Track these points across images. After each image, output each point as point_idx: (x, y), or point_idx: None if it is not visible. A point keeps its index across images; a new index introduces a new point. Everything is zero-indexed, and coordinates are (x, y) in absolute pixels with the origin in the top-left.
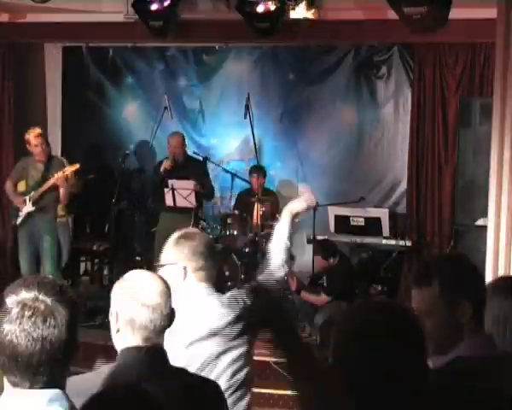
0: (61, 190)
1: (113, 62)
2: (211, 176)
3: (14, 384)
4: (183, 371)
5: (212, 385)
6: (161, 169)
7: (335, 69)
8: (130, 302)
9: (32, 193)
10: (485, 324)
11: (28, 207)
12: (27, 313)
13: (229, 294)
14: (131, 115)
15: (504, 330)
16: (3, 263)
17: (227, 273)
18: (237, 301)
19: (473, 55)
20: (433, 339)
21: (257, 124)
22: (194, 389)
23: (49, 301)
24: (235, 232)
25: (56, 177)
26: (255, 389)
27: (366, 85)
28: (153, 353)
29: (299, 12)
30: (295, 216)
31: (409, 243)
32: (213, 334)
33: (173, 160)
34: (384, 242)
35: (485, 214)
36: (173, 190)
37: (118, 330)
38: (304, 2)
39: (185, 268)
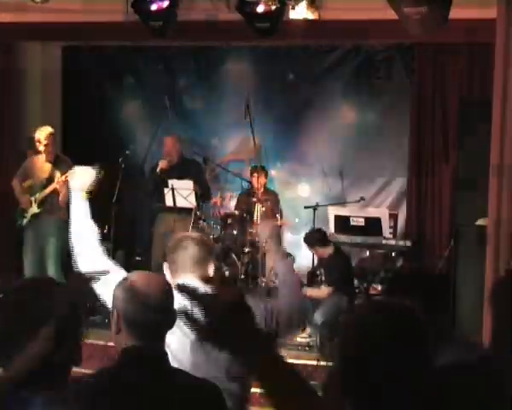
0: (61, 194)
1: (113, 62)
2: (211, 176)
3: (16, 384)
4: (183, 372)
5: (212, 387)
6: (158, 169)
7: (335, 69)
8: (132, 303)
9: (38, 194)
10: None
11: (33, 209)
12: (28, 314)
13: None
14: (131, 115)
15: None
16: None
17: (227, 273)
18: None
19: (473, 55)
20: None
21: (257, 124)
22: (193, 390)
23: (49, 302)
24: (235, 232)
25: (58, 180)
26: (255, 389)
27: (366, 85)
28: (154, 353)
29: (299, 12)
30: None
31: (409, 243)
32: None
33: (168, 161)
34: (384, 242)
35: (485, 214)
36: (173, 190)
37: (119, 331)
38: (304, 2)
39: None
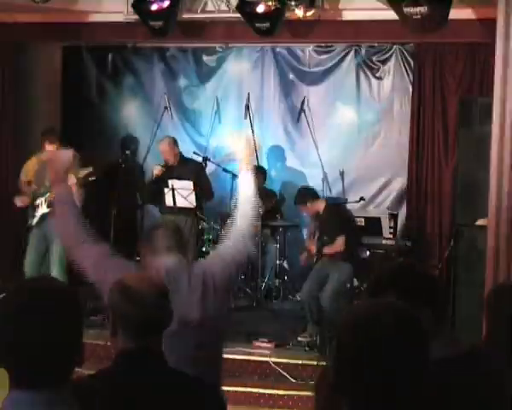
0: (75, 195)
1: (113, 62)
2: (211, 176)
3: (17, 385)
4: (180, 373)
5: (211, 387)
6: (153, 177)
7: (335, 69)
8: (127, 304)
9: (48, 194)
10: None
11: (43, 209)
12: (31, 314)
13: None
14: (131, 115)
15: None
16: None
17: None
18: None
19: (473, 55)
20: None
21: (257, 124)
22: (191, 390)
23: (53, 302)
24: None
25: (69, 180)
26: (255, 389)
27: (366, 85)
28: (150, 354)
29: (299, 12)
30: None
31: (409, 243)
32: None
33: (165, 164)
34: (384, 242)
35: (485, 214)
36: (173, 190)
37: (115, 332)
38: (304, 2)
39: None
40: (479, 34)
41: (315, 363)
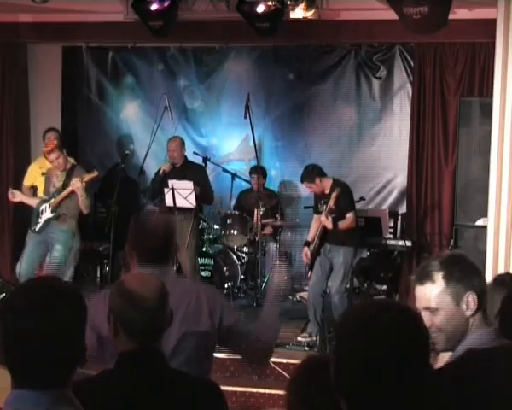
0: (80, 199)
1: (112, 62)
2: (211, 176)
3: (20, 384)
4: (181, 373)
5: (212, 387)
6: (160, 172)
7: (335, 69)
8: (128, 306)
9: (52, 200)
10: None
11: (47, 214)
12: (34, 314)
13: None
14: (131, 115)
15: None
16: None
17: (227, 273)
18: None
19: (473, 55)
20: (442, 334)
21: (257, 124)
22: (192, 391)
23: (56, 302)
24: (235, 232)
25: (74, 184)
26: (255, 389)
27: (366, 85)
28: (151, 355)
29: (299, 12)
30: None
31: (409, 243)
32: None
33: (172, 163)
34: (384, 242)
35: (485, 214)
36: (173, 190)
37: (116, 333)
38: (304, 3)
39: None
40: (479, 34)
41: None
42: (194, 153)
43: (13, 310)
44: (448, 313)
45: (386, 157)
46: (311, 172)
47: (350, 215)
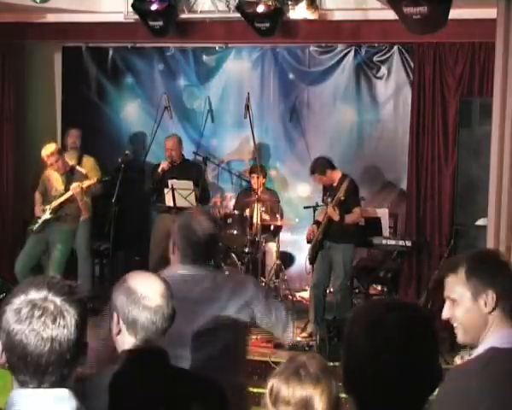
0: (80, 203)
1: (112, 62)
2: (211, 176)
3: (22, 383)
4: (184, 372)
5: (215, 385)
6: (159, 169)
7: (335, 69)
8: (131, 304)
9: (53, 202)
10: None
11: (46, 215)
12: (37, 313)
13: None
14: (131, 115)
15: None
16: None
17: (226, 273)
18: None
19: (473, 55)
20: (460, 326)
21: (257, 124)
22: (195, 389)
23: (58, 301)
24: (235, 232)
25: (73, 189)
26: (255, 389)
27: (366, 85)
28: (154, 354)
29: (299, 12)
30: None
31: (409, 243)
32: None
33: (170, 162)
34: (384, 242)
35: (485, 214)
36: (173, 190)
37: (119, 332)
38: (304, 2)
39: None
40: (479, 34)
41: None
42: (195, 153)
43: (13, 310)
44: (466, 307)
45: (386, 157)
46: (322, 164)
47: (357, 210)
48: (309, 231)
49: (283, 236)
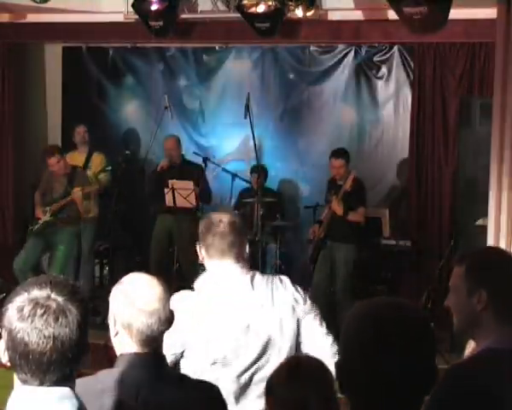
0: (80, 206)
1: (113, 62)
2: (211, 176)
3: (24, 382)
4: (182, 375)
5: (213, 390)
6: (158, 168)
7: (335, 69)
8: (128, 307)
9: (53, 205)
10: None
11: (46, 217)
12: (39, 312)
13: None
14: (131, 115)
15: None
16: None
17: None
18: None
19: (473, 55)
20: (454, 316)
21: (257, 124)
22: (193, 393)
23: (61, 300)
24: None
25: (74, 194)
26: None
27: (366, 85)
28: (151, 358)
29: (299, 12)
30: None
31: (409, 243)
32: None
33: (170, 162)
34: (384, 242)
35: (485, 214)
36: (173, 190)
37: (116, 334)
38: (304, 2)
39: None
40: (479, 34)
41: None
42: (195, 153)
43: (16, 308)
44: (461, 302)
45: (386, 157)
46: (346, 154)
47: (362, 210)
48: (311, 231)
49: (283, 236)
